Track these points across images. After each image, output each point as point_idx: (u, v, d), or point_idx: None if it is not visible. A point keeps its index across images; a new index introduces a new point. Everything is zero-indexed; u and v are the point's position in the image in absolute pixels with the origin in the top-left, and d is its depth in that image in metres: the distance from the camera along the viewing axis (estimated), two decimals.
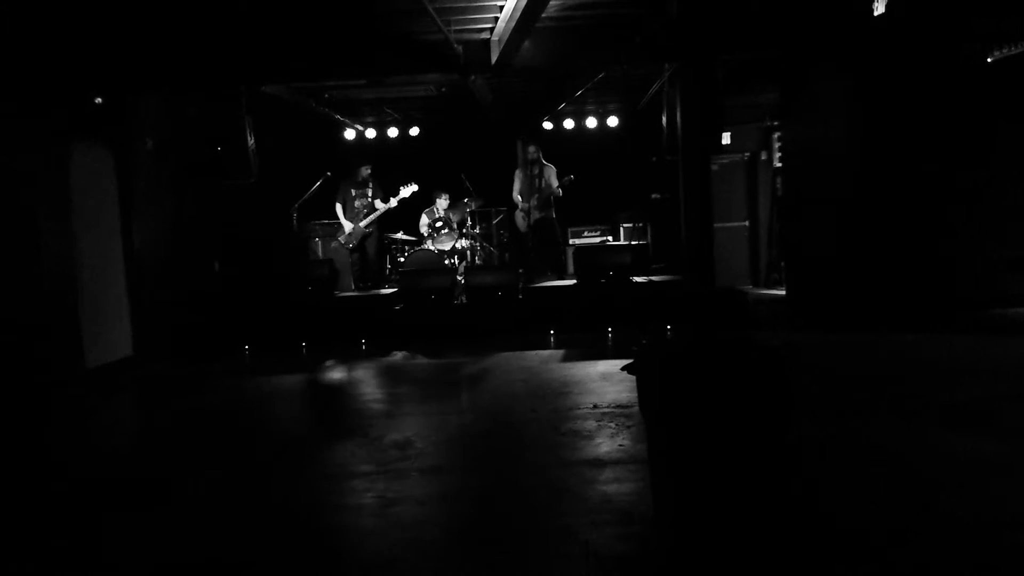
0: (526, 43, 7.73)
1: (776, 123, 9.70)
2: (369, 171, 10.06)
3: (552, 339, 7.73)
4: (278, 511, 3.41)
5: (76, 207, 6.96)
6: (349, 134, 11.73)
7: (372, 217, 9.92)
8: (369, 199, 9.97)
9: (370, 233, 10.03)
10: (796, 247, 8.05)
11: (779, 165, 9.69)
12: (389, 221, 10.40)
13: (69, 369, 6.72)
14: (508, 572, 2.68)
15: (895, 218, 7.42)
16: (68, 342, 6.77)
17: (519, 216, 10.02)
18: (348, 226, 9.91)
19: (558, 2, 7.14)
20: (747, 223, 10.45)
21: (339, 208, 10.02)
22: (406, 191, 9.91)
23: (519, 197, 9.94)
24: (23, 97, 6.43)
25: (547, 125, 11.71)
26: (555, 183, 9.74)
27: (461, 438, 4.39)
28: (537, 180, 9.75)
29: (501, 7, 7.13)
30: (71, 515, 3.52)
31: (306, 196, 9.91)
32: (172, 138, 8.24)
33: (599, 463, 3.69)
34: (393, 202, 9.89)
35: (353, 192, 9.99)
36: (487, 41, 7.99)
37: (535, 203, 9.74)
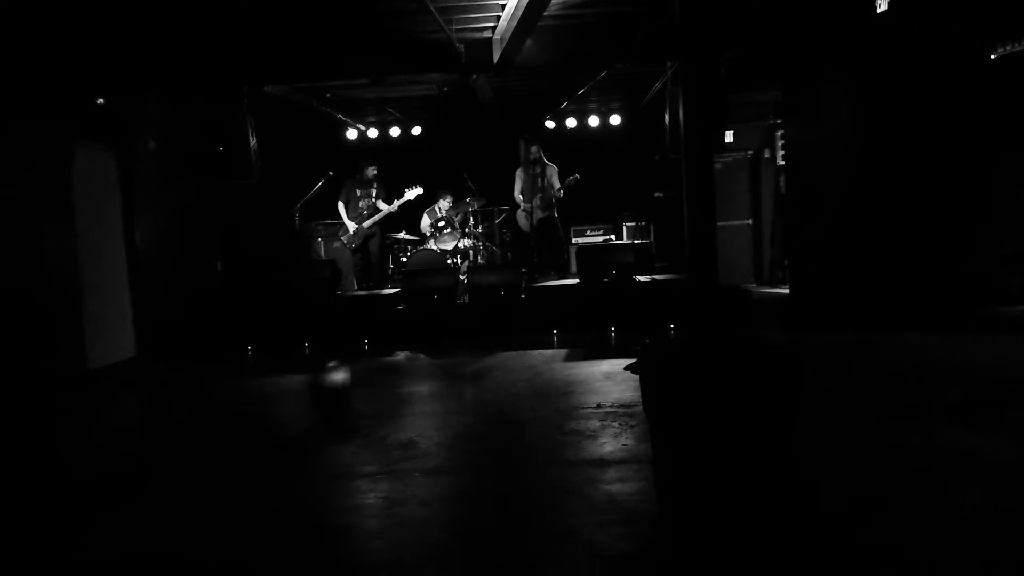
0: (528, 42, 7.73)
1: (779, 121, 9.68)
2: (375, 171, 10.04)
3: (555, 338, 7.71)
4: (279, 511, 3.39)
5: (79, 208, 6.95)
6: (351, 134, 11.74)
7: (376, 218, 9.91)
8: (373, 199, 9.95)
9: (373, 234, 10.02)
10: (799, 245, 8.02)
11: (782, 163, 9.67)
12: (392, 220, 10.39)
13: (71, 370, 6.71)
14: (512, 572, 2.67)
15: (899, 216, 7.38)
16: (70, 343, 6.76)
17: (521, 216, 10.00)
18: (352, 226, 9.90)
19: (560, 0, 7.13)
20: (750, 221, 10.44)
21: (341, 207, 10.00)
22: (411, 193, 9.89)
23: (520, 197, 9.91)
24: (25, 98, 6.43)
25: (549, 124, 11.70)
26: (557, 183, 9.69)
27: (464, 438, 4.37)
28: (539, 180, 9.71)
29: (503, 6, 7.12)
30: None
31: (308, 196, 9.91)
32: (174, 138, 8.23)
33: (603, 463, 3.68)
34: (395, 205, 9.88)
35: (358, 192, 9.98)
36: (489, 40, 7.99)
37: (538, 203, 9.69)
